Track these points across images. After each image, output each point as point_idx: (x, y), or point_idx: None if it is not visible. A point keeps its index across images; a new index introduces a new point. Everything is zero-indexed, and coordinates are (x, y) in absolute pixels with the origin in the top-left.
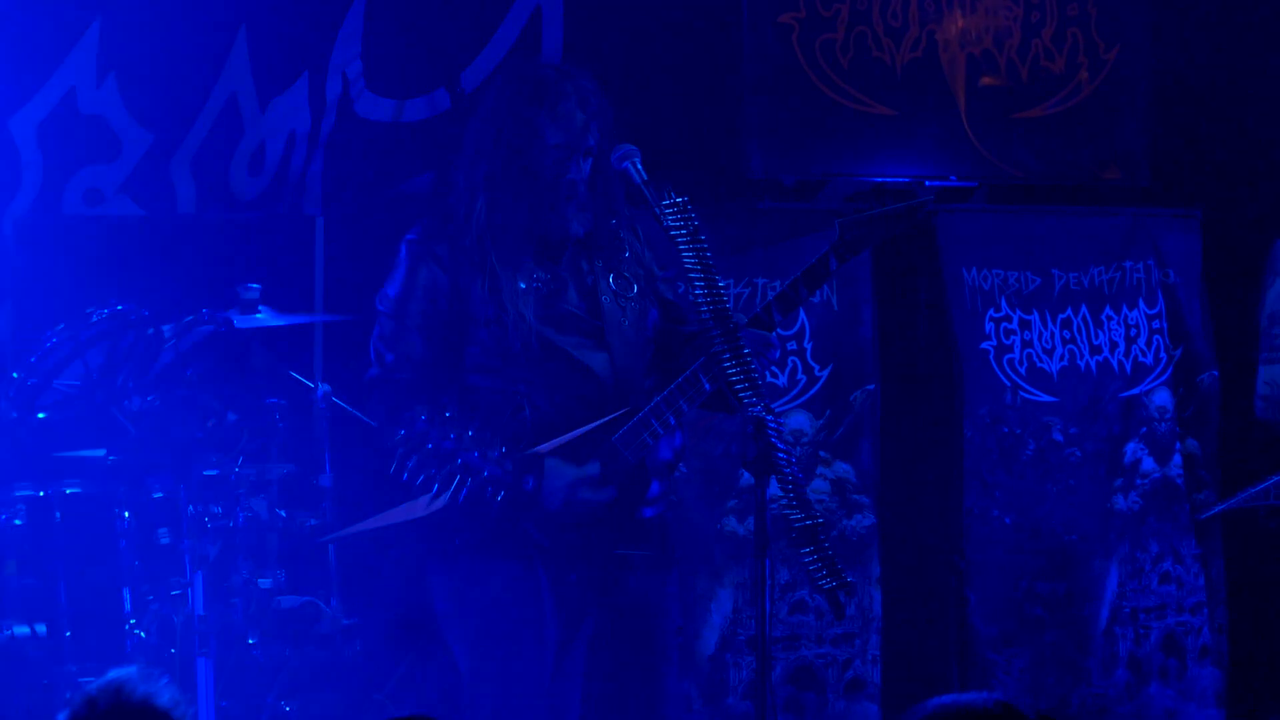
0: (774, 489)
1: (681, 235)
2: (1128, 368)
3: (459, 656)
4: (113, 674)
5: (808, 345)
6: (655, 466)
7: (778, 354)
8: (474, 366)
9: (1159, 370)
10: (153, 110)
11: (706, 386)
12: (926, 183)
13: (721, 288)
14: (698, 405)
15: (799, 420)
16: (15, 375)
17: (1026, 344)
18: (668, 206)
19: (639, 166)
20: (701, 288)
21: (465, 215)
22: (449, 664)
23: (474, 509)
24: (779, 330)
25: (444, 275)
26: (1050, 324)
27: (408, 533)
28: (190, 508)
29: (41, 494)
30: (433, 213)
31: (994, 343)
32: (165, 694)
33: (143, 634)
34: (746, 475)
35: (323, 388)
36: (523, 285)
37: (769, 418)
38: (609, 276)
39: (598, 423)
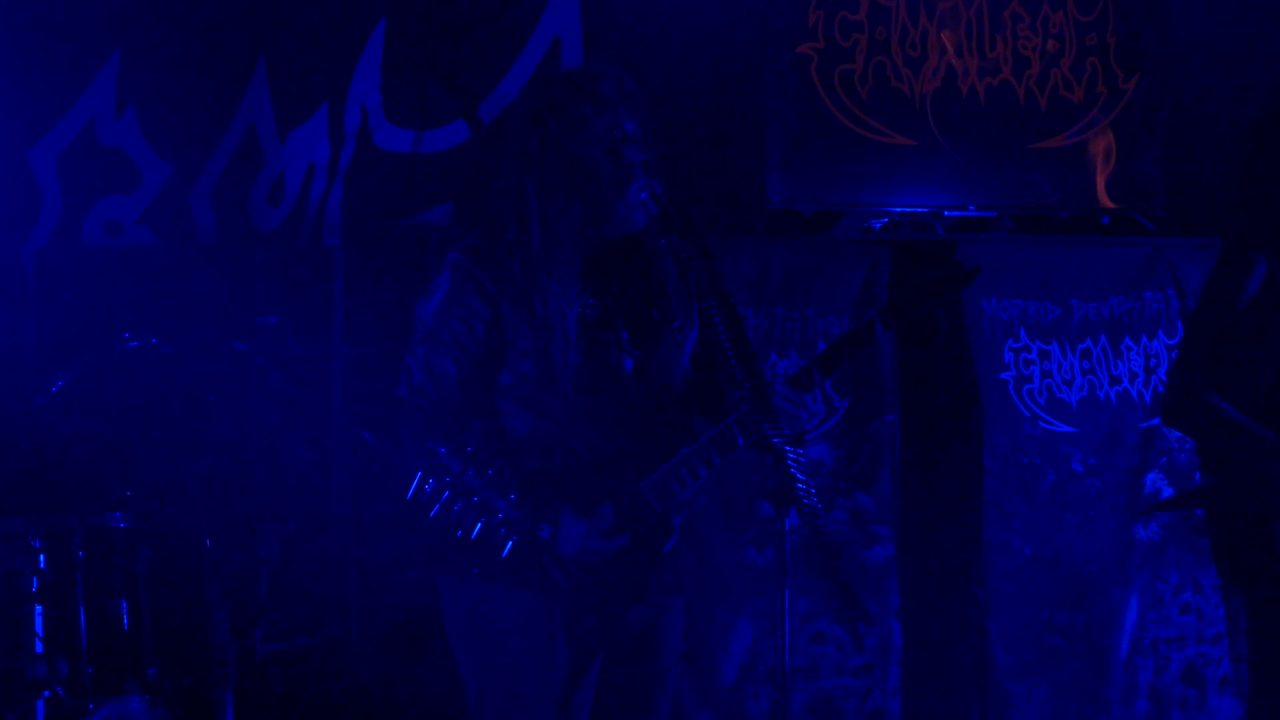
0: (794, 519)
1: (701, 265)
2: (1147, 398)
3: (466, 679)
4: None
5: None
6: (674, 505)
7: (805, 413)
8: (508, 397)
9: None
10: (172, 141)
11: (740, 442)
12: (945, 212)
13: (742, 318)
14: (729, 458)
15: (818, 451)
16: (36, 406)
17: (1046, 374)
18: (688, 236)
19: (659, 196)
20: (721, 318)
21: (515, 235)
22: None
23: (487, 545)
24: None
25: (485, 303)
26: (1070, 354)
27: (427, 556)
28: (210, 540)
29: (62, 527)
30: (477, 235)
31: (1013, 373)
32: None
33: (162, 666)
34: (766, 506)
35: (341, 418)
36: (571, 313)
37: (789, 448)
38: (652, 304)
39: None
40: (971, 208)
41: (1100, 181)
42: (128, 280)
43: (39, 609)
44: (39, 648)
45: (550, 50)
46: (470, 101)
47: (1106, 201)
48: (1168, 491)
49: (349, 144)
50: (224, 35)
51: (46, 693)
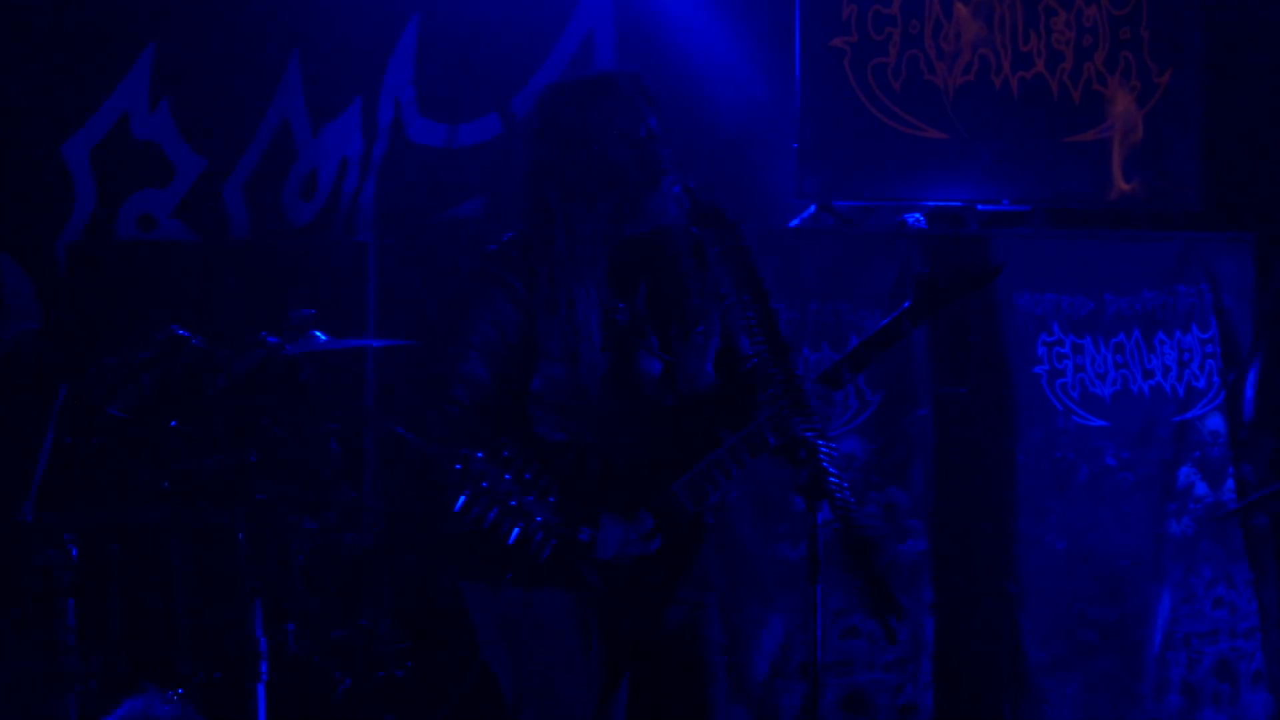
0: (826, 514)
1: (734, 260)
2: (1180, 392)
3: (502, 681)
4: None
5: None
6: (705, 506)
7: (838, 409)
8: (540, 402)
9: (1212, 394)
10: (206, 135)
11: (771, 441)
12: (978, 206)
13: (774, 312)
14: (761, 457)
15: (851, 445)
16: (70, 400)
17: (1079, 368)
18: (720, 231)
19: (691, 191)
20: (755, 313)
21: (542, 239)
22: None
23: (523, 550)
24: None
25: (515, 307)
26: (1103, 348)
27: (459, 563)
28: (244, 533)
29: (95, 519)
30: (507, 238)
31: (1047, 367)
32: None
33: (195, 659)
34: (798, 500)
35: (374, 412)
36: (598, 316)
37: (821, 442)
38: (679, 307)
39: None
40: (1005, 202)
41: (1117, 157)
42: (161, 274)
43: (71, 603)
44: (72, 641)
45: (584, 43)
46: (503, 94)
47: (1121, 183)
48: (1201, 486)
49: (382, 138)
50: (258, 29)
51: (79, 686)
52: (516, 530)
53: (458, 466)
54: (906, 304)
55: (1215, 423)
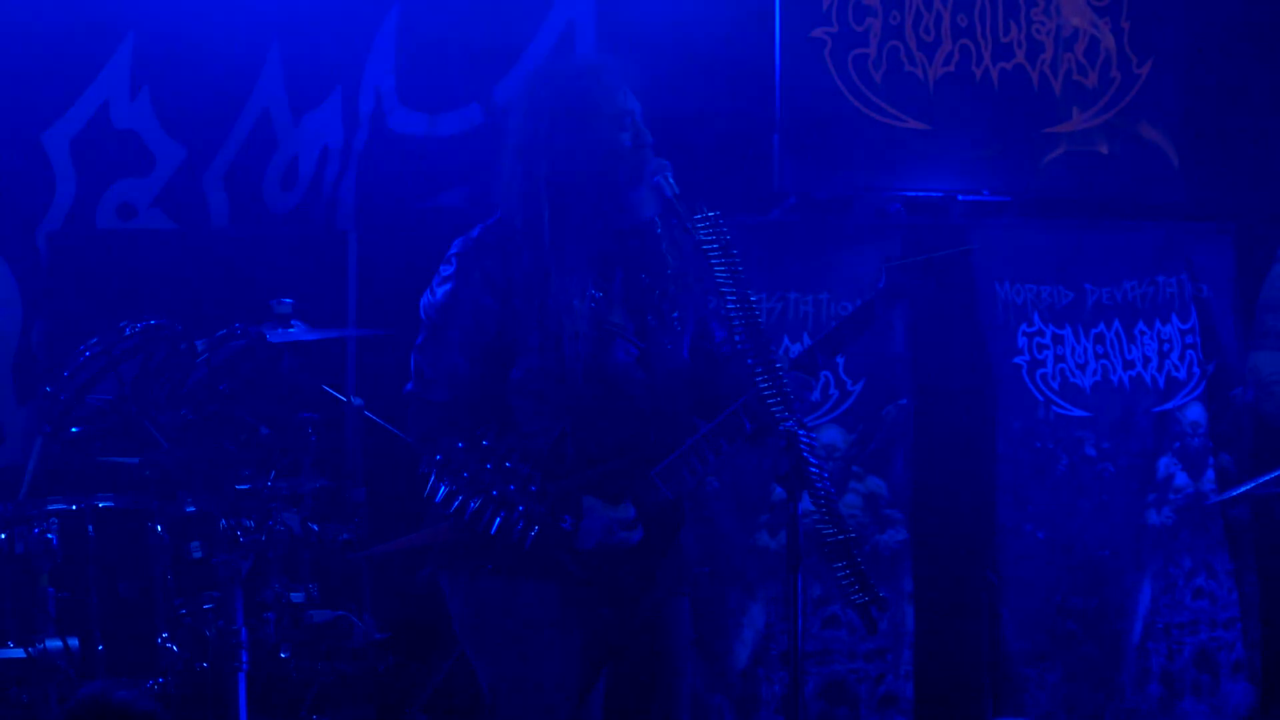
0: (806, 504)
1: (713, 250)
2: (1161, 382)
3: (478, 670)
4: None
5: (840, 360)
6: (683, 493)
7: (817, 396)
8: (518, 391)
9: (1192, 385)
10: (186, 124)
11: (748, 427)
12: (959, 197)
13: (753, 302)
14: (738, 444)
15: (831, 435)
16: (49, 389)
17: (1059, 359)
18: (699, 221)
19: (670, 180)
20: (734, 303)
21: (526, 227)
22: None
23: (505, 539)
24: (824, 372)
25: (493, 296)
26: (1083, 339)
27: (438, 554)
28: (223, 522)
29: (74, 508)
30: (484, 227)
31: (1027, 357)
32: (144, 702)
33: (174, 648)
34: (779, 490)
35: (356, 402)
36: (581, 305)
37: (801, 432)
38: (655, 295)
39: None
40: (985, 192)
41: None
42: (141, 263)
43: (51, 590)
44: (51, 629)
45: (564, 33)
46: (485, 84)
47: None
48: (1181, 476)
49: (363, 127)
50: (238, 18)
51: (60, 675)
52: (498, 520)
53: (438, 457)
54: (879, 286)
55: (1195, 413)
